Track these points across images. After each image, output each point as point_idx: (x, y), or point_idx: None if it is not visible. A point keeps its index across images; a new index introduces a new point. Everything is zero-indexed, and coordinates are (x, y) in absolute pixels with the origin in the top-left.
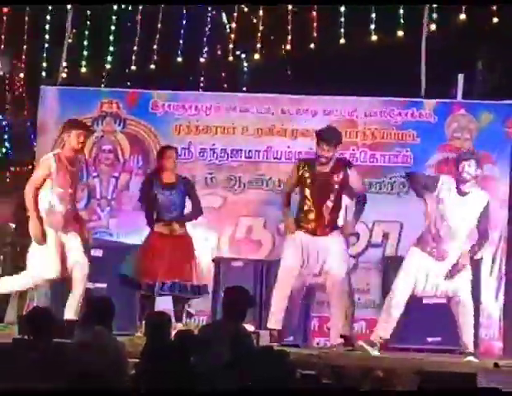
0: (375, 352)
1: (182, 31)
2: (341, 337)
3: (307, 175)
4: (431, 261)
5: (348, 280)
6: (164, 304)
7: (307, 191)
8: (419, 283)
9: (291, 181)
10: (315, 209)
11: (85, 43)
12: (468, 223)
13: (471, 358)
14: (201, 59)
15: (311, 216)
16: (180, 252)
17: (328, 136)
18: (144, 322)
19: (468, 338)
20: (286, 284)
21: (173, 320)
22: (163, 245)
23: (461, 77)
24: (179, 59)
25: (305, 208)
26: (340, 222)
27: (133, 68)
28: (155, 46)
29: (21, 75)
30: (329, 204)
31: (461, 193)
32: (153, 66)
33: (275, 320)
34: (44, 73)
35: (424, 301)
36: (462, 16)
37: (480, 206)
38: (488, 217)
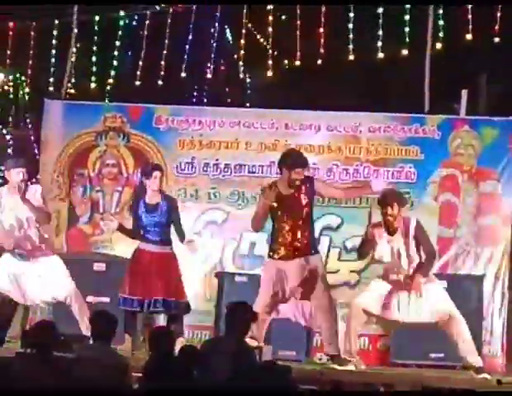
0: (349, 367)
1: (186, 47)
2: (330, 356)
3: (275, 201)
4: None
5: (330, 299)
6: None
7: (277, 215)
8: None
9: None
10: (287, 232)
11: (91, 58)
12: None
13: (484, 375)
14: (208, 75)
15: (283, 240)
16: (168, 271)
17: (301, 164)
18: (148, 337)
19: (471, 351)
20: (264, 309)
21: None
22: (150, 263)
23: (464, 93)
24: (183, 74)
25: (277, 232)
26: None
27: (137, 82)
28: (160, 61)
29: (27, 89)
30: (299, 225)
31: (390, 233)
32: (157, 81)
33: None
34: (49, 87)
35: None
36: (468, 35)
37: (411, 232)
38: (425, 236)
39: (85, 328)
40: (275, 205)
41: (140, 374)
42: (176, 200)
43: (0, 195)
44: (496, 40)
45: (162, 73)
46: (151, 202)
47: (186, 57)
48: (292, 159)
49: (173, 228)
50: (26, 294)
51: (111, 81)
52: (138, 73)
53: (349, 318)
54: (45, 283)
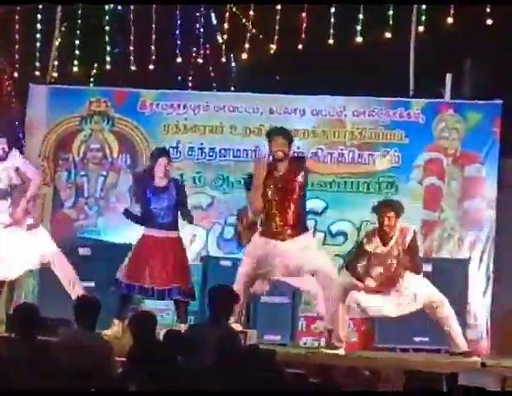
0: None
1: (171, 31)
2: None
3: (266, 178)
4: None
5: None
6: (151, 303)
7: (269, 194)
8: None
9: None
10: (279, 212)
11: (75, 42)
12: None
13: (472, 359)
14: (192, 59)
15: (276, 220)
16: (174, 256)
17: (281, 130)
18: (128, 321)
19: (458, 335)
20: (241, 286)
21: (178, 322)
22: (157, 249)
23: (449, 77)
24: (168, 59)
25: (268, 212)
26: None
27: (122, 67)
28: (144, 46)
29: (14, 74)
30: (292, 205)
31: (385, 245)
32: (142, 66)
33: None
34: (35, 72)
35: None
36: (451, 18)
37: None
38: (417, 250)
39: (72, 290)
40: (267, 183)
41: (124, 359)
42: (184, 184)
43: None
44: (487, 22)
45: (147, 57)
46: (160, 185)
47: (171, 41)
48: (270, 130)
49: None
50: (8, 265)
51: (95, 65)
52: (123, 57)
53: (343, 308)
54: (28, 248)
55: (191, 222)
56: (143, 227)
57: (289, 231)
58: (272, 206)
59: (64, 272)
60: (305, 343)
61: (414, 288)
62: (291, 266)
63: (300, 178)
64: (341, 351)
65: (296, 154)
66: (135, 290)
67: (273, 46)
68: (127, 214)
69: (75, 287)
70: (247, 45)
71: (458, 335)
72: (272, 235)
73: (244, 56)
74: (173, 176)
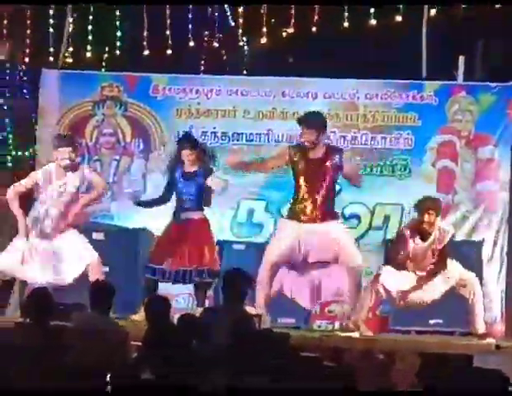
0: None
1: (184, 15)
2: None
3: (299, 161)
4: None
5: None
6: (165, 288)
7: (301, 179)
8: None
9: (276, 160)
10: (310, 196)
11: (88, 27)
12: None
13: (488, 340)
14: (204, 43)
15: (306, 204)
16: (200, 238)
17: (307, 119)
18: (143, 306)
19: (480, 319)
20: (269, 271)
21: (195, 305)
22: (184, 231)
23: (462, 59)
24: (180, 43)
25: (300, 196)
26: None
27: (134, 52)
28: (158, 30)
29: (26, 59)
30: (323, 191)
31: (424, 241)
32: (154, 50)
33: (259, 305)
34: (49, 57)
35: None
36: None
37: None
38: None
39: None
40: (300, 167)
41: (139, 344)
42: (212, 169)
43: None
44: (500, 3)
45: (160, 41)
46: (189, 170)
47: (183, 25)
48: (298, 119)
49: None
50: (39, 275)
51: (107, 50)
52: (135, 41)
53: (369, 290)
54: (63, 261)
55: (208, 206)
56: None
57: (318, 215)
58: (302, 190)
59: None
60: (319, 326)
61: (444, 278)
62: (319, 251)
63: (333, 165)
64: (355, 334)
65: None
66: (160, 274)
67: (286, 29)
68: (141, 204)
69: None
70: (259, 29)
71: (480, 317)
72: (301, 219)
73: (257, 40)
74: (204, 162)
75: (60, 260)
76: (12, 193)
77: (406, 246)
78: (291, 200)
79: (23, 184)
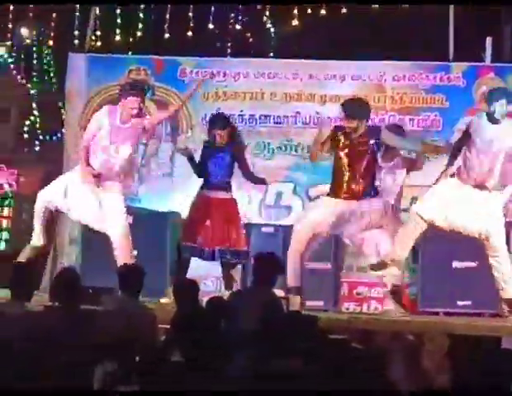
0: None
1: None
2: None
3: (342, 142)
4: (468, 188)
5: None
6: (194, 270)
7: (344, 159)
8: (451, 211)
9: (321, 143)
10: (351, 175)
11: (115, 10)
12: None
13: None
14: (230, 26)
15: (348, 182)
16: (227, 217)
17: (348, 108)
18: (172, 288)
19: (507, 278)
20: (300, 243)
21: (223, 287)
22: (210, 209)
23: (489, 40)
24: (208, 26)
25: (341, 175)
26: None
27: (162, 35)
28: (184, 13)
29: (50, 42)
30: (362, 169)
31: (493, 122)
32: (182, 33)
33: (290, 279)
34: (74, 41)
35: (454, 265)
36: None
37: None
38: None
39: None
40: (340, 144)
41: (167, 326)
42: (244, 146)
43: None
44: None
45: (186, 24)
46: (219, 144)
47: (209, 8)
48: (342, 106)
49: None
50: (78, 212)
51: (136, 33)
52: (162, 25)
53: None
54: (103, 213)
55: (254, 182)
56: (198, 188)
57: (359, 193)
58: (343, 168)
59: (123, 251)
60: (347, 308)
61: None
62: (360, 228)
63: (373, 144)
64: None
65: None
66: (190, 251)
67: (314, 11)
68: (185, 155)
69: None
70: (287, 11)
71: (506, 276)
72: (342, 196)
73: (284, 22)
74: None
75: (101, 208)
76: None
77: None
78: (332, 179)
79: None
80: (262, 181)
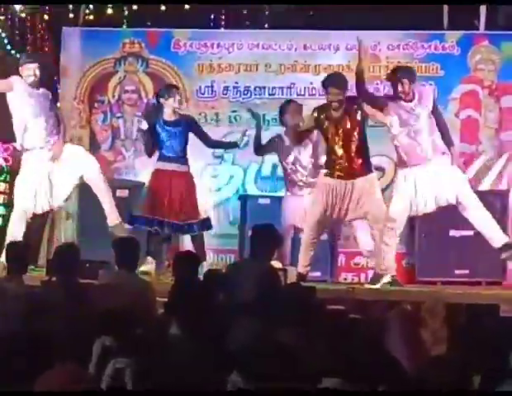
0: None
1: None
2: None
3: (325, 121)
4: (419, 170)
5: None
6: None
7: (330, 137)
8: (416, 203)
9: (304, 125)
10: (343, 153)
11: None
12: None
13: None
14: None
15: (339, 161)
16: (184, 190)
17: (335, 80)
18: (172, 261)
19: (494, 230)
20: (312, 230)
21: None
22: (168, 183)
23: (483, 8)
24: None
25: (332, 154)
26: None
27: (154, 6)
28: None
29: (45, 16)
30: (354, 146)
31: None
32: (173, 4)
33: (303, 265)
34: (69, 14)
35: (451, 234)
36: None
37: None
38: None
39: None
40: (326, 124)
41: (165, 300)
42: (194, 117)
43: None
44: None
45: None
46: (170, 119)
47: None
48: (325, 79)
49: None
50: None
51: (130, 6)
52: None
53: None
54: (71, 167)
55: (215, 146)
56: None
57: (355, 170)
58: (335, 146)
59: (104, 187)
60: (345, 279)
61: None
62: (358, 207)
63: (358, 117)
64: (387, 279)
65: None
66: (154, 225)
67: None
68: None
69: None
70: None
71: (493, 229)
72: (338, 176)
73: None
74: (185, 113)
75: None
76: None
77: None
78: (325, 161)
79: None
80: (232, 145)
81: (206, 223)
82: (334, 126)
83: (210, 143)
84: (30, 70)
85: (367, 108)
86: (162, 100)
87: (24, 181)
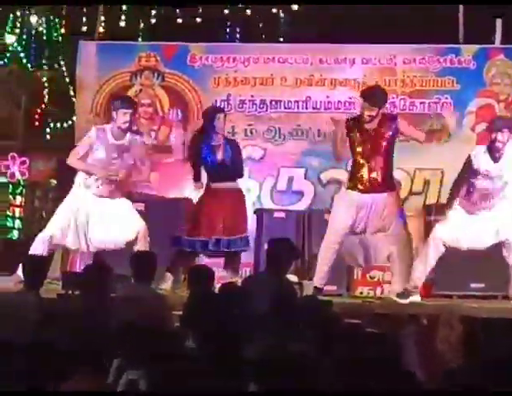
0: (407, 300)
1: None
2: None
3: (356, 132)
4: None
5: (408, 235)
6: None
7: (358, 149)
8: (461, 238)
9: (338, 138)
10: (368, 166)
11: None
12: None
13: None
14: (240, 11)
15: (364, 174)
16: (233, 207)
17: (371, 96)
18: (187, 275)
19: None
20: (334, 244)
21: (230, 274)
22: (216, 202)
23: (499, 22)
24: (216, 11)
25: (358, 166)
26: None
27: (169, 21)
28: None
29: (61, 30)
30: (381, 160)
31: (495, 159)
32: (189, 18)
33: (320, 278)
34: (82, 27)
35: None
36: None
37: None
38: None
39: None
40: (356, 137)
41: (181, 313)
42: (237, 142)
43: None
44: None
45: (195, 9)
46: (216, 143)
47: None
48: (362, 91)
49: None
50: (89, 238)
51: (145, 19)
52: (172, 11)
53: (427, 250)
54: (116, 224)
55: (240, 177)
56: (204, 182)
57: (379, 185)
58: (360, 160)
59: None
60: (361, 293)
61: (502, 218)
62: (378, 220)
63: (390, 134)
64: (415, 298)
65: (387, 111)
66: (197, 246)
67: None
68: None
69: None
70: None
71: None
72: (362, 189)
73: (292, 6)
74: (229, 137)
75: (112, 223)
76: (73, 159)
77: (472, 172)
78: (350, 172)
79: (80, 149)
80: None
81: (246, 241)
82: (362, 139)
83: (239, 171)
84: (127, 116)
85: (404, 127)
86: (207, 123)
87: (65, 211)
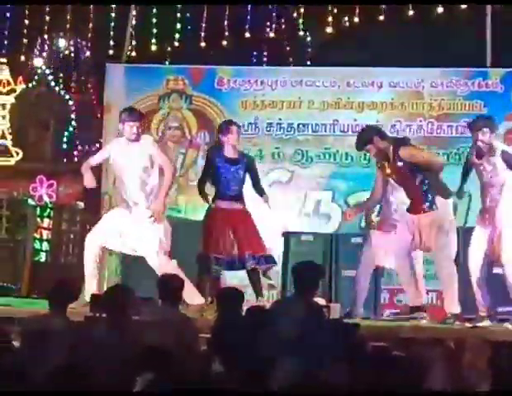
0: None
1: (245, 6)
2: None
3: (384, 167)
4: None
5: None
6: (233, 279)
7: (393, 181)
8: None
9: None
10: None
11: (151, 20)
12: None
13: None
14: (266, 34)
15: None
16: (245, 226)
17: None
18: (216, 297)
19: None
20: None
21: (254, 296)
22: (227, 220)
23: None
24: (245, 35)
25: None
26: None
27: (199, 44)
28: (220, 22)
29: (88, 53)
30: (412, 190)
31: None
32: (218, 42)
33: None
34: (109, 50)
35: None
36: None
37: None
38: None
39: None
40: (387, 171)
41: (208, 336)
42: (253, 157)
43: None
44: None
45: (221, 33)
46: (230, 156)
47: (246, 16)
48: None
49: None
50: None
51: (172, 43)
52: (199, 34)
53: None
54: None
55: (261, 195)
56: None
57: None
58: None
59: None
60: (388, 316)
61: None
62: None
63: (401, 164)
64: (424, 323)
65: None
66: (212, 261)
67: (350, 18)
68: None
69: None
70: (322, 18)
71: None
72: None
73: (320, 29)
74: (244, 152)
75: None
76: (85, 167)
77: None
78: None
79: (94, 159)
80: (262, 193)
81: (270, 259)
82: (391, 171)
83: (259, 187)
84: (133, 128)
85: (405, 152)
86: (221, 136)
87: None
